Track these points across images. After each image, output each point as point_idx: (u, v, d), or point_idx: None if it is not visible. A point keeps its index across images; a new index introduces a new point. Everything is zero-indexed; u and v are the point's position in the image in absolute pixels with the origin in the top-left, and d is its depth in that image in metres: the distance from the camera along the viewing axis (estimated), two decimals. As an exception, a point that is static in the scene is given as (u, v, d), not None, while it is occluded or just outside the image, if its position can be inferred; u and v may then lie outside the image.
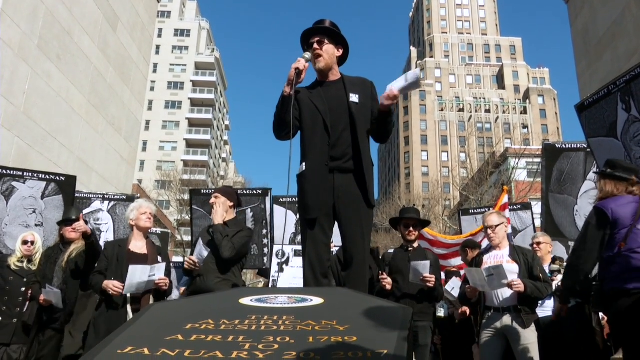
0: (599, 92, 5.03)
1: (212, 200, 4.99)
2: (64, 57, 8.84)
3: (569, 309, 5.40)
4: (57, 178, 6.76)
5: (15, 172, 6.55)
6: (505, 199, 7.39)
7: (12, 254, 5.60)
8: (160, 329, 2.10)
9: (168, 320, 2.23)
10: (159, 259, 4.82)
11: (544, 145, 6.95)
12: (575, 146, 6.67)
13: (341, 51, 3.62)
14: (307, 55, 3.50)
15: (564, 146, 6.77)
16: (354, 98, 3.48)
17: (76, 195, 7.07)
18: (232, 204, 4.99)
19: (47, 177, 6.71)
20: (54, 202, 6.26)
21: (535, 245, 5.73)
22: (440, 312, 7.00)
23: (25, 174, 6.60)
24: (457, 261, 7.19)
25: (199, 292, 4.42)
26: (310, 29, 3.60)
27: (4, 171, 6.50)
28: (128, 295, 4.55)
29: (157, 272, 4.57)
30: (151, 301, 4.57)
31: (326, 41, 3.54)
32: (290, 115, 3.38)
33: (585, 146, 6.60)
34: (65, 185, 6.74)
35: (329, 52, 3.55)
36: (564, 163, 6.54)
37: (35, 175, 6.67)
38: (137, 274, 4.51)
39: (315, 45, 3.51)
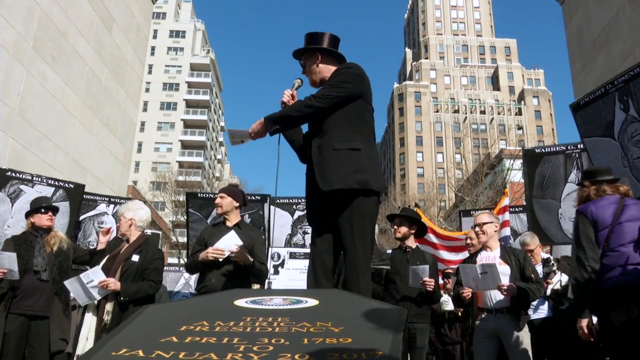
0: (595, 91, 5.00)
1: (218, 200, 4.95)
2: (59, 58, 8.82)
3: (562, 311, 5.43)
4: (67, 185, 6.80)
5: (24, 176, 6.55)
6: (505, 201, 7.40)
7: None
8: (154, 330, 2.09)
9: (163, 322, 2.23)
10: (135, 257, 4.68)
11: (524, 152, 6.98)
12: (555, 149, 6.69)
13: (320, 56, 3.55)
14: (298, 81, 3.59)
15: (543, 150, 6.79)
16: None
17: (83, 197, 7.09)
18: (237, 204, 4.95)
19: (57, 183, 6.73)
20: (60, 208, 6.21)
21: (521, 247, 5.71)
22: (447, 306, 7.01)
23: (34, 178, 6.61)
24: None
25: (210, 292, 4.42)
26: (293, 54, 3.65)
27: (13, 174, 6.49)
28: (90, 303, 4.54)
29: (94, 277, 4.44)
30: (108, 306, 4.47)
31: (304, 61, 3.60)
32: (294, 143, 3.57)
33: (564, 148, 6.63)
34: (73, 193, 6.78)
35: (312, 69, 3.56)
36: (544, 167, 6.54)
37: (45, 180, 6.68)
38: (77, 285, 4.45)
39: (304, 68, 3.62)
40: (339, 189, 3.21)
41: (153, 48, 71.42)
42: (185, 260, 5.31)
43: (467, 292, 4.65)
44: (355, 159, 3.27)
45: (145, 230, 5.18)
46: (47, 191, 6.55)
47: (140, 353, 1.83)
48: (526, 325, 4.54)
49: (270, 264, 7.15)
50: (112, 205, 7.50)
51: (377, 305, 2.47)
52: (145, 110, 68.14)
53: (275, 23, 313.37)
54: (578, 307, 3.52)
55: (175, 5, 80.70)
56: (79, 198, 6.84)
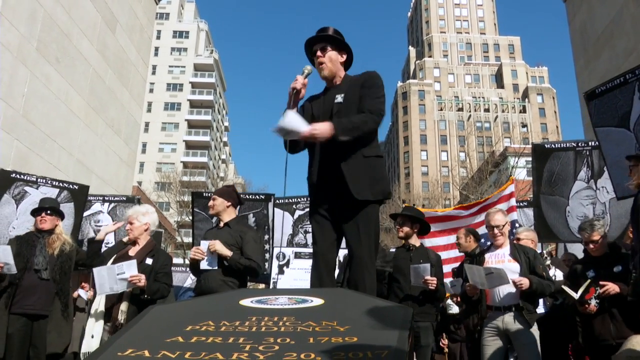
0: (613, 80, 4.90)
1: (210, 202, 5.06)
2: (63, 59, 8.84)
3: (558, 307, 5.40)
4: (71, 186, 6.80)
5: (28, 178, 6.57)
6: (511, 187, 7.30)
7: None
8: (160, 330, 2.10)
9: (168, 322, 2.24)
10: (148, 260, 4.76)
11: (533, 146, 6.85)
12: (565, 145, 6.56)
13: (345, 56, 3.61)
14: (308, 68, 3.53)
15: (553, 146, 6.66)
16: (338, 98, 3.48)
17: (86, 199, 7.08)
18: (229, 203, 5.02)
19: (61, 184, 6.74)
20: (65, 209, 6.20)
21: (515, 241, 5.52)
22: (453, 310, 6.98)
23: (39, 180, 6.63)
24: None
25: (203, 293, 4.45)
26: (312, 37, 3.60)
27: (18, 176, 6.52)
28: (100, 308, 4.57)
29: (127, 270, 4.49)
30: (122, 306, 4.52)
31: (329, 48, 3.55)
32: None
33: (575, 145, 6.52)
34: (77, 194, 6.78)
35: (332, 58, 3.55)
36: (553, 164, 6.40)
37: (49, 181, 6.70)
38: (105, 275, 4.49)
39: (319, 53, 3.54)
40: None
41: (156, 49, 71.49)
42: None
43: (471, 290, 4.62)
44: (379, 166, 3.47)
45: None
46: (51, 192, 6.56)
47: (146, 353, 1.84)
48: (535, 323, 4.50)
49: (275, 264, 7.15)
50: (106, 204, 7.49)
51: (383, 304, 2.47)
52: (149, 110, 68.23)
53: (278, 23, 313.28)
54: None
55: (179, 5, 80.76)
56: (83, 199, 6.85)
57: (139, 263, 4.65)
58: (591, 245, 4.74)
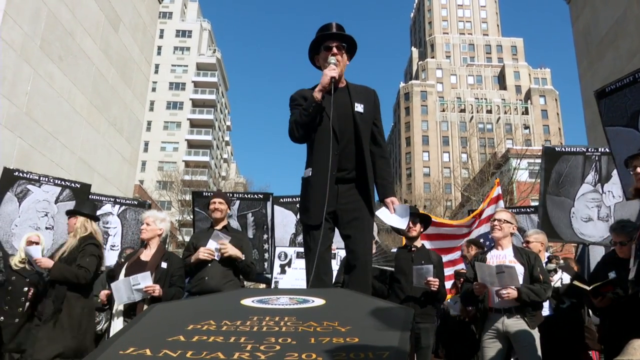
0: (623, 79, 4.89)
1: (218, 205, 5.20)
2: (66, 58, 8.85)
3: (563, 310, 5.39)
4: (73, 185, 6.82)
5: (31, 176, 6.60)
6: (498, 190, 7.40)
7: (15, 254, 5.62)
8: (162, 329, 2.10)
9: (170, 321, 2.24)
10: (164, 264, 4.82)
11: (544, 149, 6.95)
12: (575, 150, 6.67)
13: (348, 62, 3.64)
14: (333, 60, 3.48)
15: (563, 149, 6.75)
16: (358, 108, 3.51)
17: (89, 197, 7.09)
18: (229, 211, 5.20)
19: (63, 183, 6.76)
20: (67, 207, 6.23)
21: (524, 244, 5.55)
22: (454, 311, 6.98)
23: (41, 178, 6.67)
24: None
25: (206, 292, 4.48)
26: (332, 33, 3.57)
27: (20, 174, 6.54)
28: (120, 307, 4.63)
29: (142, 281, 4.57)
30: (145, 309, 4.57)
31: (342, 51, 3.56)
32: (317, 121, 3.45)
33: (585, 150, 6.59)
34: (79, 192, 6.81)
35: (344, 60, 3.57)
36: (562, 166, 6.51)
37: (52, 180, 6.73)
38: (121, 287, 4.60)
39: (336, 50, 3.51)
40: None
41: (159, 47, 71.43)
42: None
43: (479, 288, 4.58)
44: None
45: None
46: (53, 191, 6.59)
47: (148, 352, 1.84)
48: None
49: (277, 264, 7.15)
50: (117, 206, 7.49)
51: (384, 304, 2.47)
52: (151, 109, 68.24)
53: (281, 22, 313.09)
54: None
55: (182, 4, 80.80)
56: (85, 197, 6.86)
57: (155, 267, 4.75)
58: (619, 246, 4.76)
